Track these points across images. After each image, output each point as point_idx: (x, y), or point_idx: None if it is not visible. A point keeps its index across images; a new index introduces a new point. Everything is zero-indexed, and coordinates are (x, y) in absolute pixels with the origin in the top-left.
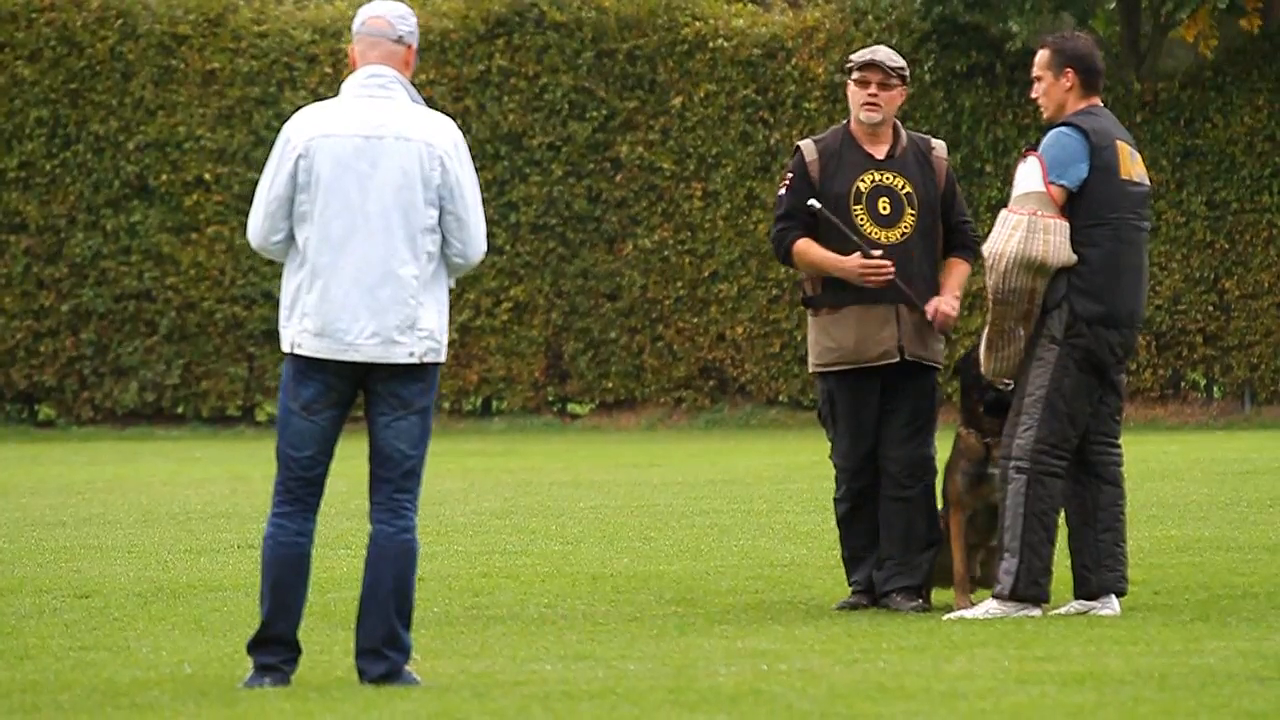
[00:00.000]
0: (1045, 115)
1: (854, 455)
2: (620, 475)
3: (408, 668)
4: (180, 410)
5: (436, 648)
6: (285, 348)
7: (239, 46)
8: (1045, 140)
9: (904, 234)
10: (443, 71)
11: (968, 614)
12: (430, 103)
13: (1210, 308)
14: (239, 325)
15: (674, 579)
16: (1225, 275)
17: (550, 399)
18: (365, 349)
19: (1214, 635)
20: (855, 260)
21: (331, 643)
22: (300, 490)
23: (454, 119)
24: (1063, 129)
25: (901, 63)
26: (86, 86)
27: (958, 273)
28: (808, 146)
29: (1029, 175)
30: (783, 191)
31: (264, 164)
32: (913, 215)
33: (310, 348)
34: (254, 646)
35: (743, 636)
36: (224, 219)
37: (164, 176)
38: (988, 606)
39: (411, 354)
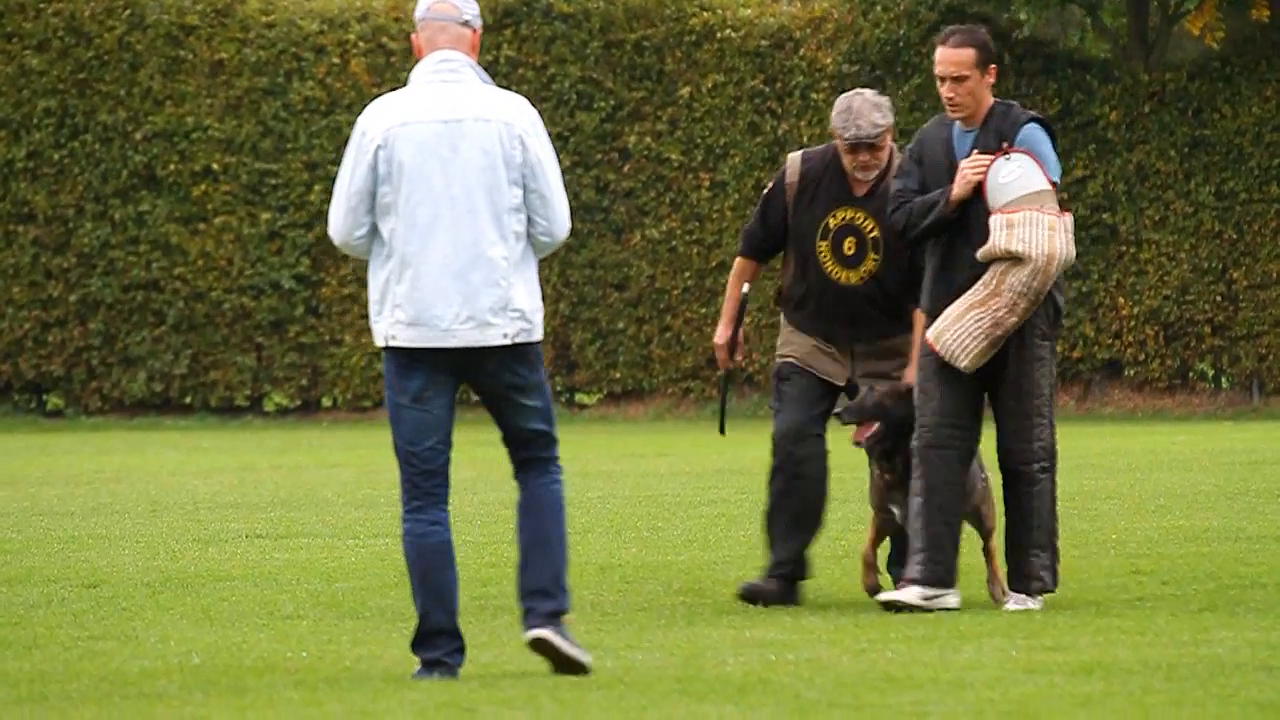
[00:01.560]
0: (963, 114)
1: (793, 433)
2: (628, 465)
3: (566, 626)
4: (188, 400)
5: None
6: (379, 342)
7: (247, 37)
8: (1024, 136)
9: (863, 278)
10: None
11: (1016, 605)
12: None
13: (1218, 298)
14: (247, 315)
15: (682, 569)
16: (1233, 265)
17: (558, 389)
18: (461, 334)
19: (1222, 625)
20: (720, 340)
21: (339, 633)
22: (426, 484)
23: None
24: (1033, 125)
25: (886, 121)
26: (94, 77)
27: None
28: (793, 164)
29: (1031, 173)
30: (763, 195)
31: (272, 154)
32: (875, 260)
33: (405, 338)
34: (416, 644)
35: (750, 626)
36: (232, 209)
37: (172, 166)
38: (1024, 601)
39: (505, 335)
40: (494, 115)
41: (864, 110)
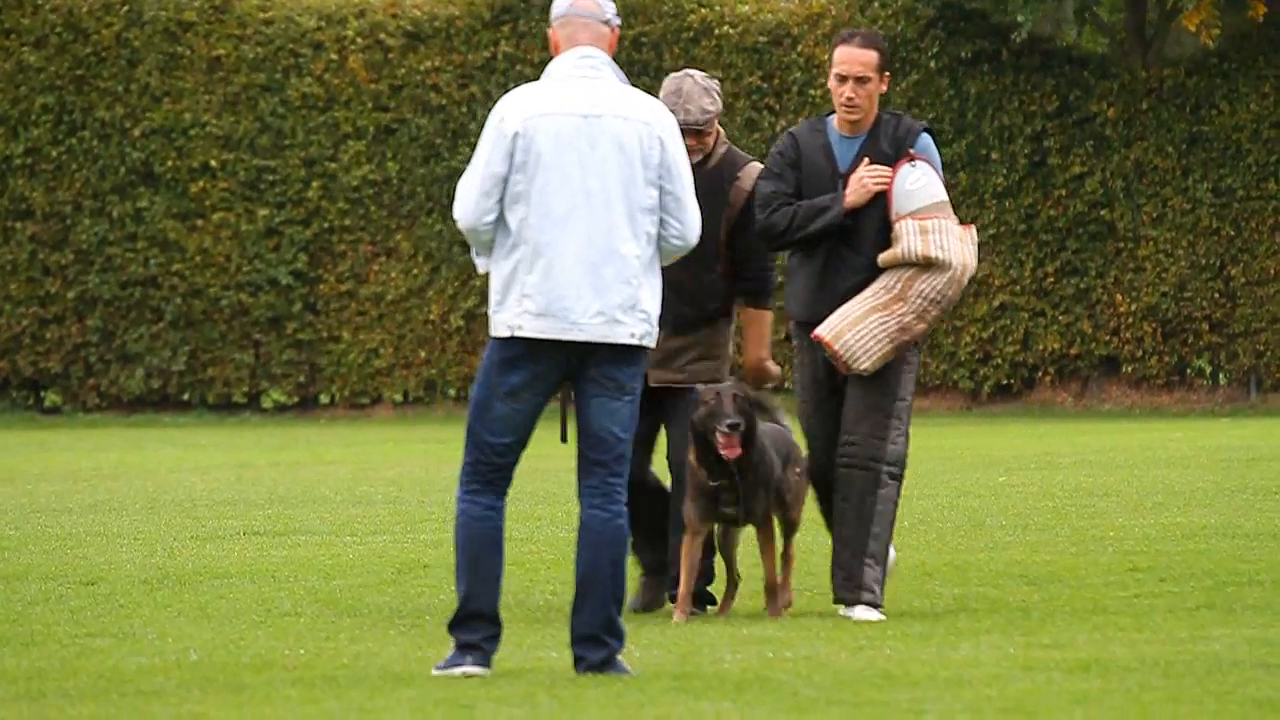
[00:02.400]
0: (857, 116)
1: (634, 480)
2: None
3: (620, 656)
4: (186, 397)
5: (442, 635)
6: (501, 333)
7: (244, 33)
8: (923, 145)
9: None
10: (448, 59)
11: (862, 615)
12: (436, 90)
13: (1216, 295)
14: (245, 312)
15: None
16: (1231, 262)
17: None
18: (589, 328)
19: (1220, 622)
20: None
21: (337, 630)
22: (490, 475)
23: (459, 106)
24: (926, 134)
25: (715, 107)
26: (92, 73)
27: (763, 326)
28: None
29: (934, 181)
30: None
31: (269, 150)
32: None
33: (532, 329)
34: (454, 625)
35: (748, 623)
36: (230, 205)
37: (170, 163)
38: (864, 614)
39: (633, 335)
40: (633, 114)
41: (694, 95)
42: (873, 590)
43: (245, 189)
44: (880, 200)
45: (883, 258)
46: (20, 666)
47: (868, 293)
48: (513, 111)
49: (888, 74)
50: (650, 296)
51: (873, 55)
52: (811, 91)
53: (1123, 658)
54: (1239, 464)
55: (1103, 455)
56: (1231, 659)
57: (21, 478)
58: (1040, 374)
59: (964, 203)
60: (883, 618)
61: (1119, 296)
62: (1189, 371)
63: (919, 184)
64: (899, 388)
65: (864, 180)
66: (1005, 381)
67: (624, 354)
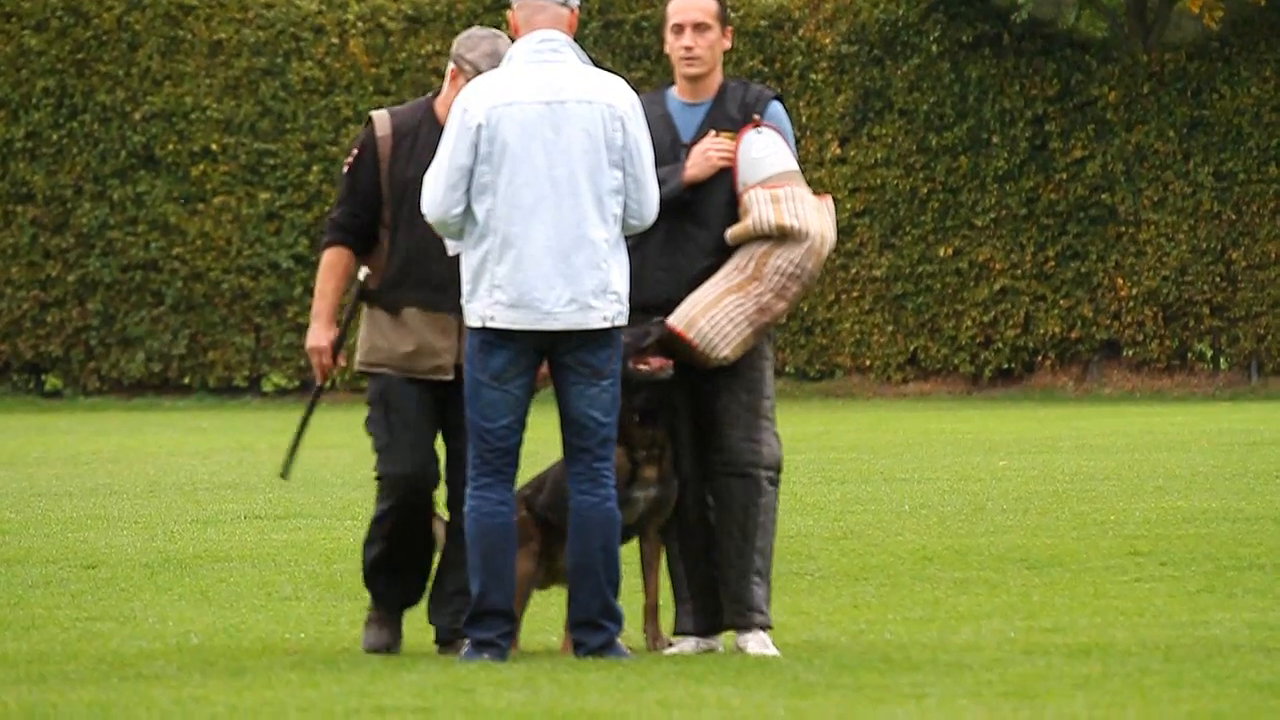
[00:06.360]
0: (700, 70)
1: (411, 479)
2: None
3: (619, 639)
4: (187, 381)
5: None
6: (474, 323)
7: (245, 17)
8: (772, 113)
9: None
10: (449, 42)
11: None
12: (437, 74)
13: (1217, 279)
14: (245, 295)
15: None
16: (1232, 246)
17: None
18: (563, 317)
19: (1220, 606)
20: (322, 341)
21: (338, 614)
22: (497, 461)
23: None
24: (778, 103)
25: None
26: (93, 56)
27: None
28: (381, 119)
29: (783, 149)
30: (346, 170)
31: (270, 134)
32: None
33: (505, 320)
34: (469, 623)
35: None
36: (230, 189)
37: (170, 147)
38: (758, 648)
39: (605, 318)
40: (597, 97)
41: (484, 36)
42: (763, 611)
43: (246, 173)
44: (727, 173)
45: (732, 233)
46: (21, 650)
47: (719, 275)
48: (475, 102)
49: (729, 29)
50: (619, 276)
51: (711, 3)
52: (813, 76)
53: (1123, 641)
54: (1240, 448)
55: (1103, 439)
56: (1232, 643)
57: (22, 461)
58: (1041, 358)
59: (965, 186)
60: (778, 653)
61: (1120, 280)
62: (1190, 355)
63: (765, 152)
64: (763, 385)
65: (707, 153)
66: (1006, 366)
67: (597, 338)
